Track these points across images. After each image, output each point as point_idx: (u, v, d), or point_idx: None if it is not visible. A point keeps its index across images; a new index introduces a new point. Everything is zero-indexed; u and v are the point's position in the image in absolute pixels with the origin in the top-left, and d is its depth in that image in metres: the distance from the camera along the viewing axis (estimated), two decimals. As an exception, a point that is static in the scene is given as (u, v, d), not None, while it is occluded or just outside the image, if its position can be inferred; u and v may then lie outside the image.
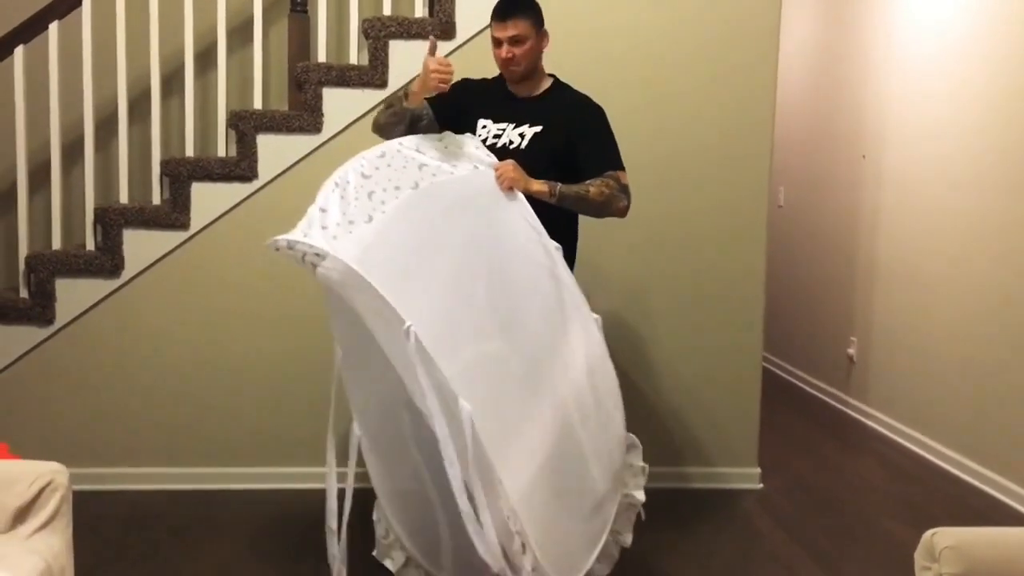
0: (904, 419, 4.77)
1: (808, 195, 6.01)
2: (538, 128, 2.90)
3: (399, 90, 2.88)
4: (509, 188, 2.69)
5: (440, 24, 3.71)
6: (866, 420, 5.12)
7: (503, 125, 2.92)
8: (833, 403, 5.51)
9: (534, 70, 2.91)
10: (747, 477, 4.05)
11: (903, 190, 4.85)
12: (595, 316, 2.72)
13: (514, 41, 2.82)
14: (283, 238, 2.38)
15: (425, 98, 2.84)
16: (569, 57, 3.70)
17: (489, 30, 2.89)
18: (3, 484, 2.11)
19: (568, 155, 2.86)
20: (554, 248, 2.68)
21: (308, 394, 3.82)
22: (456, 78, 2.83)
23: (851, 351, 5.34)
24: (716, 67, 3.87)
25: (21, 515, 2.10)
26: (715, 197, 3.92)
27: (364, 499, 2.86)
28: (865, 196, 5.24)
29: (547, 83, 2.96)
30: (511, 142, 2.89)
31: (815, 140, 5.93)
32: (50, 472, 2.14)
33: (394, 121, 2.87)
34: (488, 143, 2.87)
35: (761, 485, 4.07)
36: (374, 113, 3.62)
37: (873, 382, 5.13)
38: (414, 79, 2.90)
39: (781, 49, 3.98)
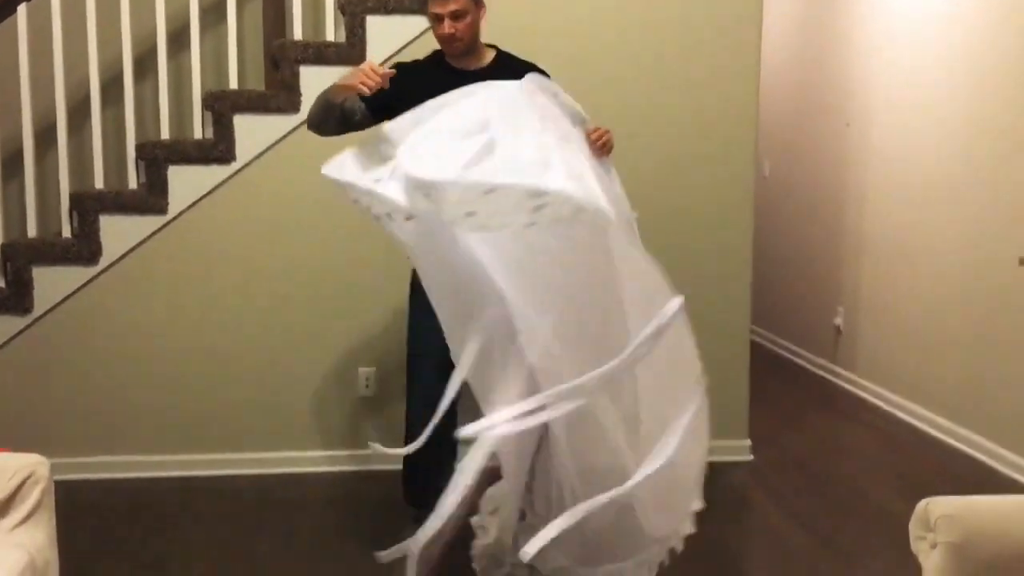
0: (893, 388, 4.77)
1: (794, 165, 5.98)
2: None
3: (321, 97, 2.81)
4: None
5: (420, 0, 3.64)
6: (855, 390, 5.12)
7: None
8: (822, 373, 5.51)
9: (476, 43, 2.87)
10: (737, 449, 4.03)
11: (889, 158, 4.82)
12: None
13: (455, 16, 2.79)
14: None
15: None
16: (547, 28, 3.68)
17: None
18: (-18, 477, 2.06)
19: None
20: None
21: (291, 378, 3.79)
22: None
23: (838, 321, 5.34)
24: (698, 38, 3.82)
25: (2, 509, 2.05)
26: (700, 171, 3.88)
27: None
28: (851, 165, 5.22)
29: (491, 53, 2.93)
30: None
31: (800, 109, 5.90)
32: (31, 464, 2.09)
33: (323, 116, 2.82)
34: None
35: (752, 457, 4.05)
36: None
37: (861, 351, 5.12)
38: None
39: (764, 16, 3.93)
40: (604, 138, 2.69)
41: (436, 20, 2.81)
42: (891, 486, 3.82)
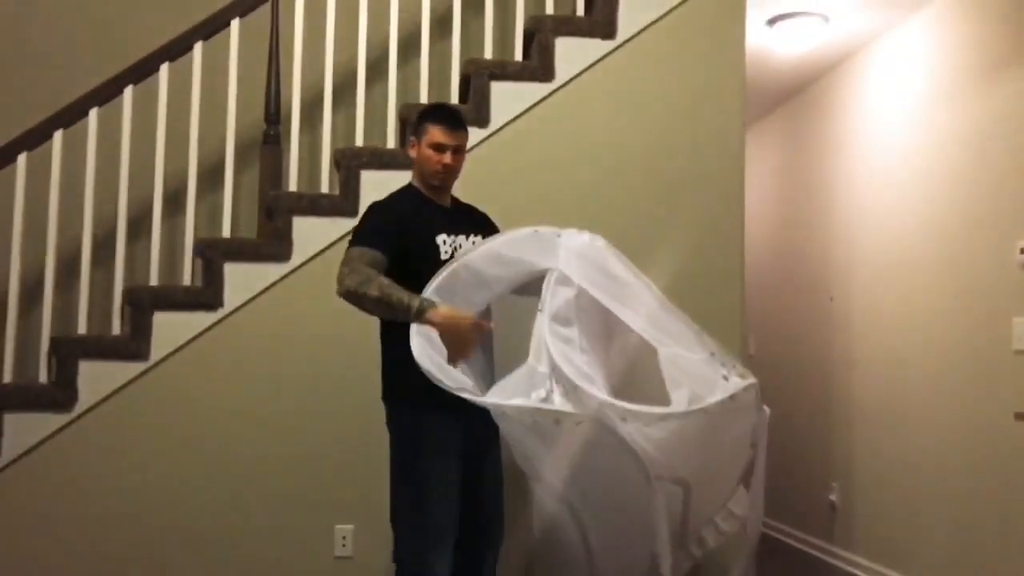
0: (893, 565, 4.57)
1: (778, 342, 6.01)
2: (479, 236, 2.96)
3: (405, 297, 2.69)
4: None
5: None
6: (854, 569, 4.90)
7: (455, 237, 2.92)
8: (819, 554, 5.29)
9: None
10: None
11: (874, 329, 4.85)
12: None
13: (457, 151, 2.91)
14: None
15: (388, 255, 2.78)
16: (528, 203, 3.75)
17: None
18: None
19: None
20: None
21: (264, 536, 3.60)
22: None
23: (833, 497, 5.19)
24: (682, 221, 3.88)
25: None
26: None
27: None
28: (836, 338, 5.24)
29: (449, 194, 3.02)
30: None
31: (782, 286, 5.99)
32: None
33: (381, 313, 2.77)
34: (452, 256, 2.86)
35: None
36: (343, 243, 3.62)
37: (858, 528, 4.95)
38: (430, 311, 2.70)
39: (747, 194, 4.04)
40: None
41: (438, 150, 2.87)
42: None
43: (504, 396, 2.63)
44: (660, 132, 3.90)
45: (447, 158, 2.87)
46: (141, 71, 3.72)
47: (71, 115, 3.68)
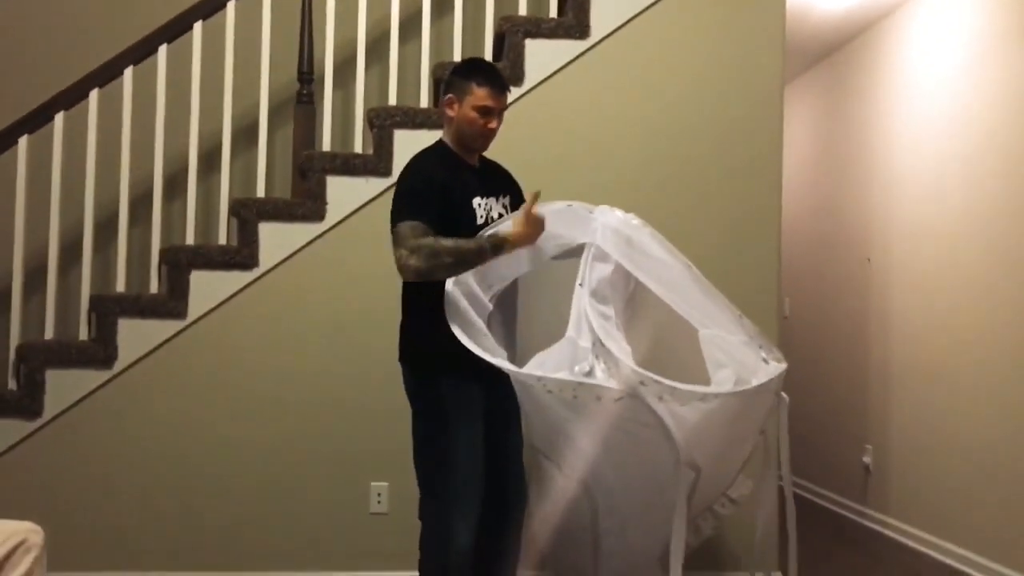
0: (926, 527, 4.55)
1: (814, 303, 5.95)
2: (508, 198, 2.92)
3: (474, 245, 2.65)
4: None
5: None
6: (887, 531, 4.89)
7: (487, 200, 2.83)
8: (852, 516, 5.28)
9: None
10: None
11: (911, 291, 4.79)
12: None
13: (501, 113, 2.81)
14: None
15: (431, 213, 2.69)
16: (558, 155, 3.73)
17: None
18: (-27, 543, 1.95)
19: None
20: None
21: (300, 494, 3.66)
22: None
23: (867, 459, 5.16)
24: (719, 179, 3.84)
25: (-9, 575, 1.93)
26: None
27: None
28: (873, 300, 5.18)
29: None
30: (501, 215, 2.86)
31: (818, 247, 5.92)
32: (24, 531, 2.00)
33: (458, 270, 2.67)
34: (486, 220, 2.81)
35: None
36: (378, 202, 3.66)
37: (892, 491, 4.92)
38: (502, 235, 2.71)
39: (784, 153, 3.97)
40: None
41: (484, 114, 2.74)
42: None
43: (545, 369, 2.60)
44: (697, 89, 3.85)
45: (493, 123, 2.76)
46: (175, 29, 3.73)
47: (107, 74, 3.69)
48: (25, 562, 1.95)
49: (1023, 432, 3.88)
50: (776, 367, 2.75)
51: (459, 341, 2.64)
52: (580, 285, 2.72)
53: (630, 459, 2.73)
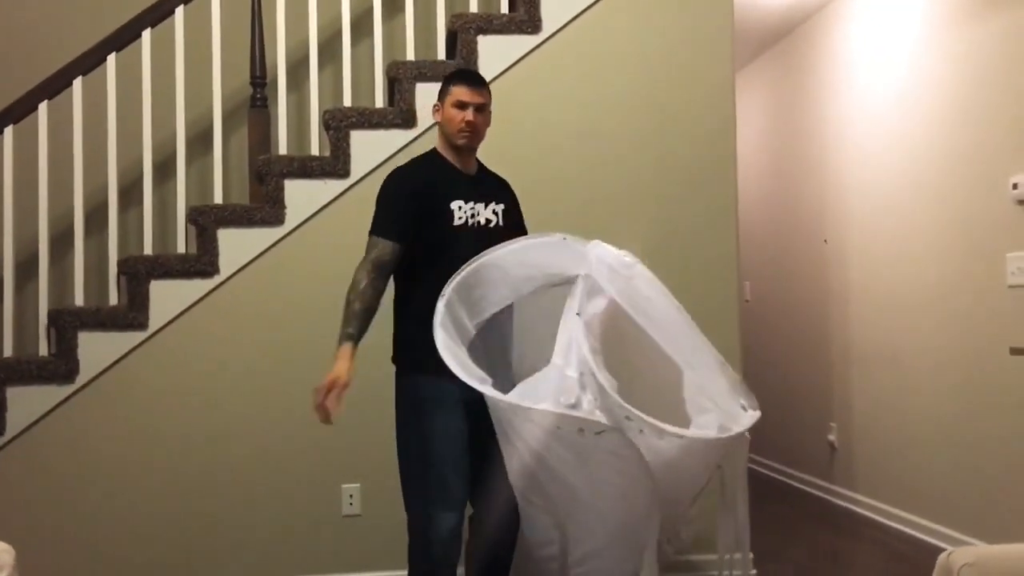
0: (892, 501, 4.64)
1: (774, 287, 6.03)
2: (502, 206, 2.93)
3: (346, 326, 2.76)
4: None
5: (400, 113, 3.74)
6: (854, 507, 4.98)
7: (473, 204, 2.85)
8: (819, 493, 5.37)
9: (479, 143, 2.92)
10: (739, 564, 3.85)
11: (868, 269, 4.87)
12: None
13: (479, 108, 2.84)
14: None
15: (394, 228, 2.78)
16: (517, 150, 3.73)
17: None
18: (-59, 566, 1.92)
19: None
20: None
21: (270, 499, 3.65)
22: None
23: (832, 437, 5.25)
24: (674, 167, 3.87)
25: (-40, 598, 1.91)
26: (684, 299, 3.86)
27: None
28: (832, 280, 5.26)
29: (475, 161, 2.96)
30: (489, 220, 2.88)
31: (776, 230, 6.00)
32: (-6, 552, 1.96)
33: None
34: (467, 223, 2.82)
35: (755, 572, 3.88)
36: (337, 204, 3.67)
37: (857, 466, 5.01)
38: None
39: (738, 140, 4.02)
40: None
41: (459, 107, 2.82)
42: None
43: (530, 399, 2.59)
44: (650, 79, 3.88)
45: (470, 115, 2.82)
46: (124, 37, 3.68)
47: (56, 85, 3.64)
48: (-4, 583, 1.93)
49: (980, 405, 3.97)
50: (752, 415, 2.76)
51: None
52: (578, 315, 2.70)
53: (604, 488, 2.72)
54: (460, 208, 2.83)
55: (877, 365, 4.79)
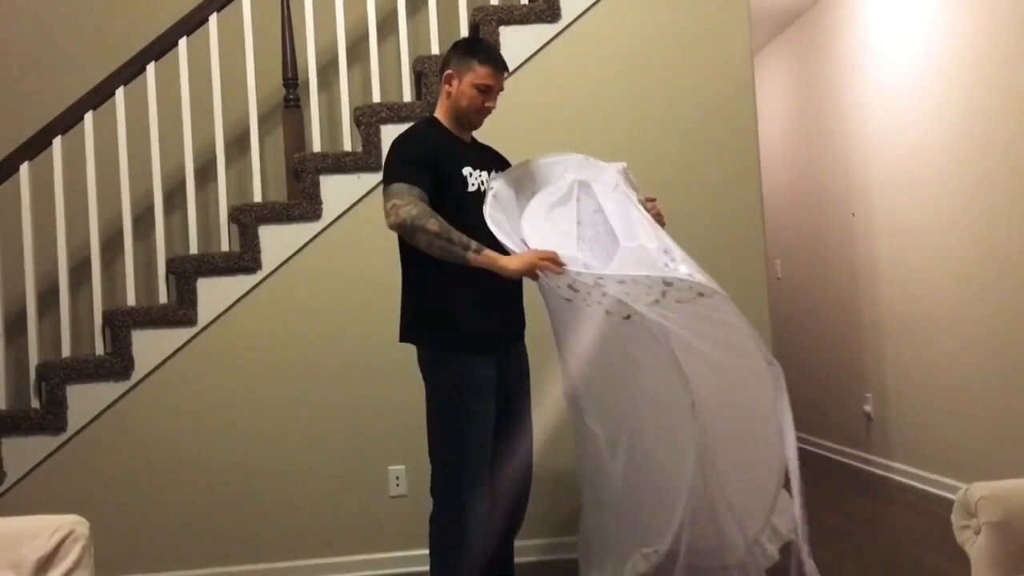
0: (931, 466, 4.69)
1: (804, 263, 6.08)
2: (498, 171, 2.94)
3: (465, 237, 2.63)
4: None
5: (428, 106, 3.86)
6: (893, 475, 5.03)
7: (480, 172, 2.83)
8: (857, 464, 5.42)
9: None
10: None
11: (896, 240, 4.92)
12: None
13: (498, 93, 2.84)
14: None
15: (423, 177, 2.69)
16: (543, 137, 3.83)
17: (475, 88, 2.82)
18: (24, 537, 2.08)
19: None
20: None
21: (319, 482, 3.80)
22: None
23: (868, 408, 5.30)
24: (696, 150, 3.95)
25: (43, 567, 2.06)
26: (713, 277, 3.94)
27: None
28: (860, 253, 5.31)
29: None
30: (493, 188, 2.85)
31: (803, 207, 6.05)
32: (70, 523, 2.11)
33: (437, 253, 2.63)
34: (478, 189, 2.81)
35: (793, 537, 3.95)
36: (372, 196, 3.79)
37: (894, 435, 5.06)
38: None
39: (760, 120, 4.09)
40: (658, 209, 2.90)
41: (483, 91, 2.77)
42: (946, 553, 3.69)
43: (628, 270, 2.67)
44: (667, 65, 3.97)
45: (492, 101, 2.78)
46: (161, 46, 3.84)
47: (100, 96, 3.81)
48: (75, 551, 2.07)
49: (1013, 370, 4.02)
50: (681, 269, 2.74)
51: (475, 317, 2.76)
52: (633, 193, 2.86)
53: (659, 399, 2.83)
54: (471, 175, 2.80)
55: (909, 335, 4.84)
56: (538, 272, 2.67)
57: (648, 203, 2.92)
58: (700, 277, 2.69)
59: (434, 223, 2.60)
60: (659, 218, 2.92)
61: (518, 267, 2.65)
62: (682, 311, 2.72)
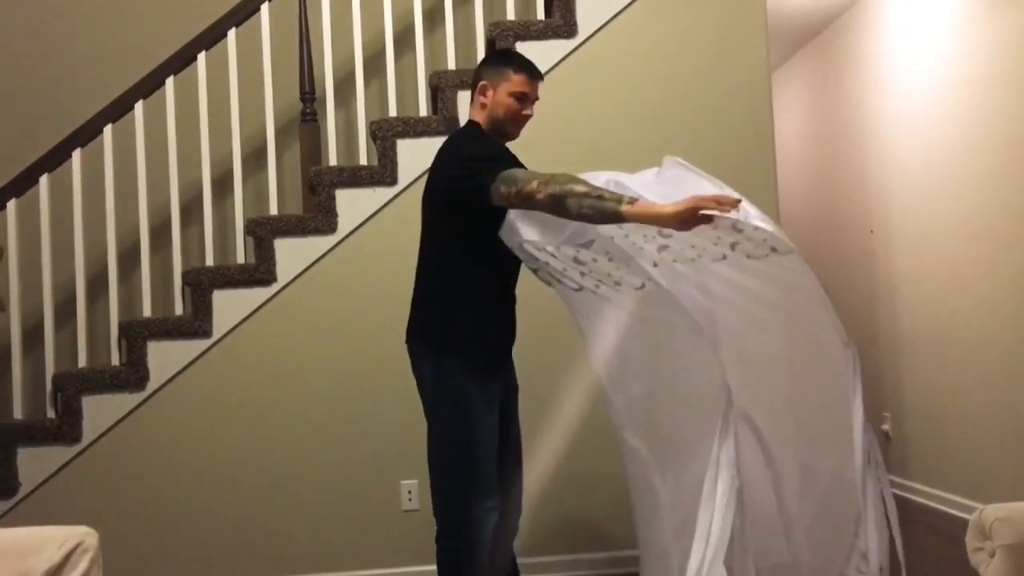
0: (949, 487, 4.63)
1: (822, 280, 5.97)
2: None
3: (614, 193, 2.45)
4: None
5: (444, 121, 3.87)
6: (911, 495, 4.97)
7: None
8: (875, 484, 5.36)
9: None
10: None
11: (915, 258, 4.88)
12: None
13: (533, 102, 2.79)
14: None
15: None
16: (558, 158, 3.83)
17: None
18: (33, 548, 2.08)
19: None
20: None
21: (333, 496, 3.80)
22: None
23: (886, 427, 5.25)
24: (713, 167, 3.75)
25: (52, 577, 2.06)
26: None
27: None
28: (879, 270, 5.27)
29: None
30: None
31: (822, 225, 6.02)
32: (80, 534, 2.12)
33: (591, 215, 2.44)
34: None
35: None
36: (386, 211, 3.80)
37: (912, 455, 5.01)
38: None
39: (777, 136, 4.09)
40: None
41: (519, 100, 2.72)
42: (957, 573, 3.66)
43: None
44: (684, 80, 3.97)
45: (529, 109, 2.74)
46: (180, 60, 3.88)
47: (119, 109, 3.85)
48: (83, 563, 2.07)
49: (1032, 384, 3.97)
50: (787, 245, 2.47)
51: (496, 329, 2.74)
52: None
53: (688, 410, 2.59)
54: None
55: (928, 354, 4.79)
56: (705, 213, 2.34)
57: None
58: (772, 229, 2.41)
59: (580, 184, 2.44)
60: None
61: (679, 212, 2.33)
62: (754, 272, 2.47)
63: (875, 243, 5.29)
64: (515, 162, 2.69)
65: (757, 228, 2.38)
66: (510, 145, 2.84)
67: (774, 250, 2.44)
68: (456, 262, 2.71)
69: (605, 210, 2.40)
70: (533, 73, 2.77)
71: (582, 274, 2.63)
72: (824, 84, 5.97)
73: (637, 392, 2.70)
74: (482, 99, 2.76)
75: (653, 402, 2.71)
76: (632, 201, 2.39)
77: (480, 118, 2.79)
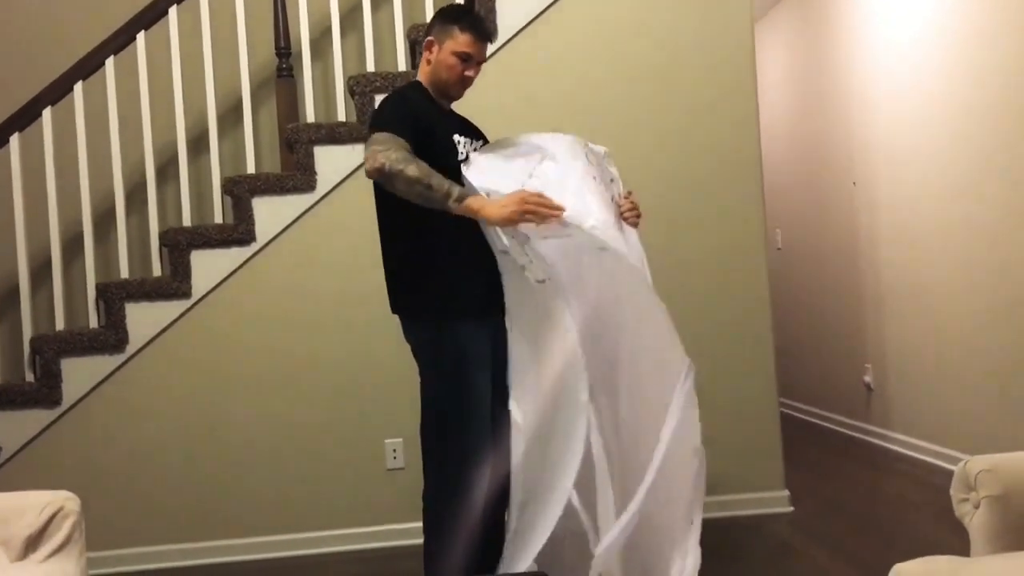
0: (930, 437, 4.68)
1: (805, 233, 6.04)
2: (480, 142, 2.81)
3: (446, 182, 2.44)
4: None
5: (423, 75, 3.80)
6: (891, 445, 5.02)
7: (466, 139, 2.71)
8: (856, 434, 5.42)
9: None
10: (776, 501, 3.94)
11: (898, 209, 4.88)
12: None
13: (479, 63, 2.72)
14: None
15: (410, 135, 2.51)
16: (546, 105, 3.82)
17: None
18: (14, 514, 2.07)
19: None
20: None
21: (317, 455, 3.79)
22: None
23: (867, 379, 5.28)
24: (696, 119, 3.91)
25: (33, 543, 2.05)
26: (711, 247, 3.90)
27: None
28: (861, 223, 5.27)
29: None
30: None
31: (805, 177, 6.00)
32: (61, 499, 2.10)
33: (417, 199, 2.45)
34: (467, 158, 2.67)
35: (792, 508, 3.95)
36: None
37: (894, 405, 5.05)
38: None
39: (760, 88, 4.04)
40: (634, 206, 2.71)
41: (463, 60, 2.65)
42: (943, 523, 3.69)
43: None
44: (668, 34, 3.91)
45: (471, 70, 2.66)
46: (151, 16, 3.78)
47: (89, 65, 3.76)
48: (65, 527, 2.06)
49: (1014, 339, 3.99)
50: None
51: (472, 279, 2.64)
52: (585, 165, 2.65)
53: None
54: (460, 143, 2.68)
55: (909, 305, 4.81)
56: (528, 218, 2.40)
57: (626, 197, 2.76)
58: (611, 237, 2.48)
59: (414, 168, 2.42)
60: (635, 211, 2.73)
61: (502, 213, 2.41)
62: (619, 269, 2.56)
63: (858, 195, 5.28)
64: (415, 128, 2.56)
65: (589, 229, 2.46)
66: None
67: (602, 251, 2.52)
68: (399, 226, 2.67)
69: (432, 200, 2.44)
70: (480, 34, 2.68)
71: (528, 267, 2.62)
72: (808, 35, 5.91)
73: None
74: (427, 55, 2.70)
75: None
76: (460, 198, 2.44)
77: (423, 76, 2.73)
